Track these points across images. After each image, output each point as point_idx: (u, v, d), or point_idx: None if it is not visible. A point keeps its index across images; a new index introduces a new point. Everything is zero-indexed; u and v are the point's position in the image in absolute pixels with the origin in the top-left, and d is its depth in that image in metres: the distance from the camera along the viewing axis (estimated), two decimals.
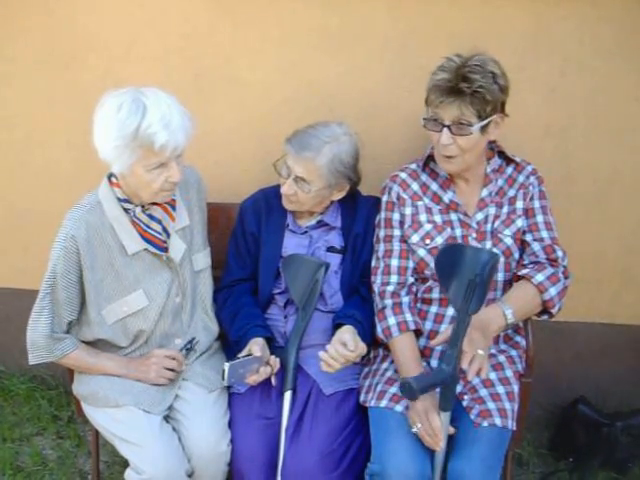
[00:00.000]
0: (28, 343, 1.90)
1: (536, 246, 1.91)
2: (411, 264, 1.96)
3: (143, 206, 1.88)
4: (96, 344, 1.97)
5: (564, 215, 2.14)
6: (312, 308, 1.95)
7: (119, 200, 1.86)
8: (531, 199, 1.95)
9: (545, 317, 1.91)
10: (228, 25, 2.27)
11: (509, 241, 1.92)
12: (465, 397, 1.87)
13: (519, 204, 1.95)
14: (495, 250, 1.90)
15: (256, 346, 1.90)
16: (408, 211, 1.98)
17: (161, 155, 1.75)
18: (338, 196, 2.06)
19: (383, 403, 1.85)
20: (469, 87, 1.78)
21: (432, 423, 1.71)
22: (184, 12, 2.27)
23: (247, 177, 2.32)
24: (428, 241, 1.94)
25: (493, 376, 1.91)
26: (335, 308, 2.03)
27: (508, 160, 2.00)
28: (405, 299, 1.93)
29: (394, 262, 1.96)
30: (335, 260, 2.06)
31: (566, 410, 2.44)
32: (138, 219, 1.88)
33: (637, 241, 2.24)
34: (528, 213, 1.95)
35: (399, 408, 1.83)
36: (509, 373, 1.92)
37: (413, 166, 2.04)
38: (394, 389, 1.88)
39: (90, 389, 1.95)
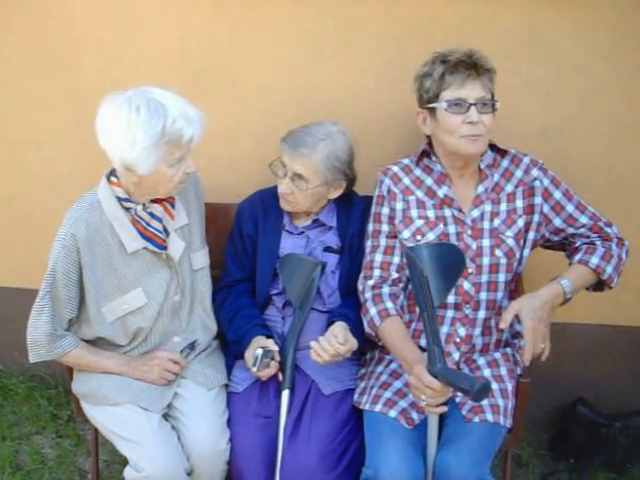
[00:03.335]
0: (28, 341, 1.91)
1: (583, 231, 1.92)
2: (396, 260, 1.94)
3: (144, 204, 1.89)
4: (95, 342, 1.97)
5: None
6: (309, 307, 1.96)
7: (119, 199, 1.87)
8: (549, 195, 1.92)
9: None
10: (225, 27, 2.28)
11: (511, 242, 1.90)
12: (458, 393, 1.85)
13: (519, 203, 1.91)
14: (498, 251, 1.88)
15: (270, 339, 1.91)
16: (399, 206, 1.95)
17: (184, 148, 1.79)
18: (335, 194, 2.06)
19: (377, 407, 1.84)
20: (484, 65, 1.82)
21: (430, 385, 1.63)
22: (181, 14, 2.28)
23: (244, 177, 2.33)
24: (419, 237, 1.91)
25: (487, 373, 1.90)
26: (333, 308, 2.04)
27: (502, 152, 1.96)
28: (385, 289, 1.91)
29: (377, 257, 1.94)
30: (332, 260, 2.06)
31: (565, 411, 2.43)
32: (139, 217, 1.88)
33: (636, 243, 2.23)
34: (555, 209, 1.92)
35: (393, 413, 1.82)
36: (503, 371, 1.91)
37: (406, 161, 2.01)
38: (389, 393, 1.87)
39: (89, 387, 1.96)
